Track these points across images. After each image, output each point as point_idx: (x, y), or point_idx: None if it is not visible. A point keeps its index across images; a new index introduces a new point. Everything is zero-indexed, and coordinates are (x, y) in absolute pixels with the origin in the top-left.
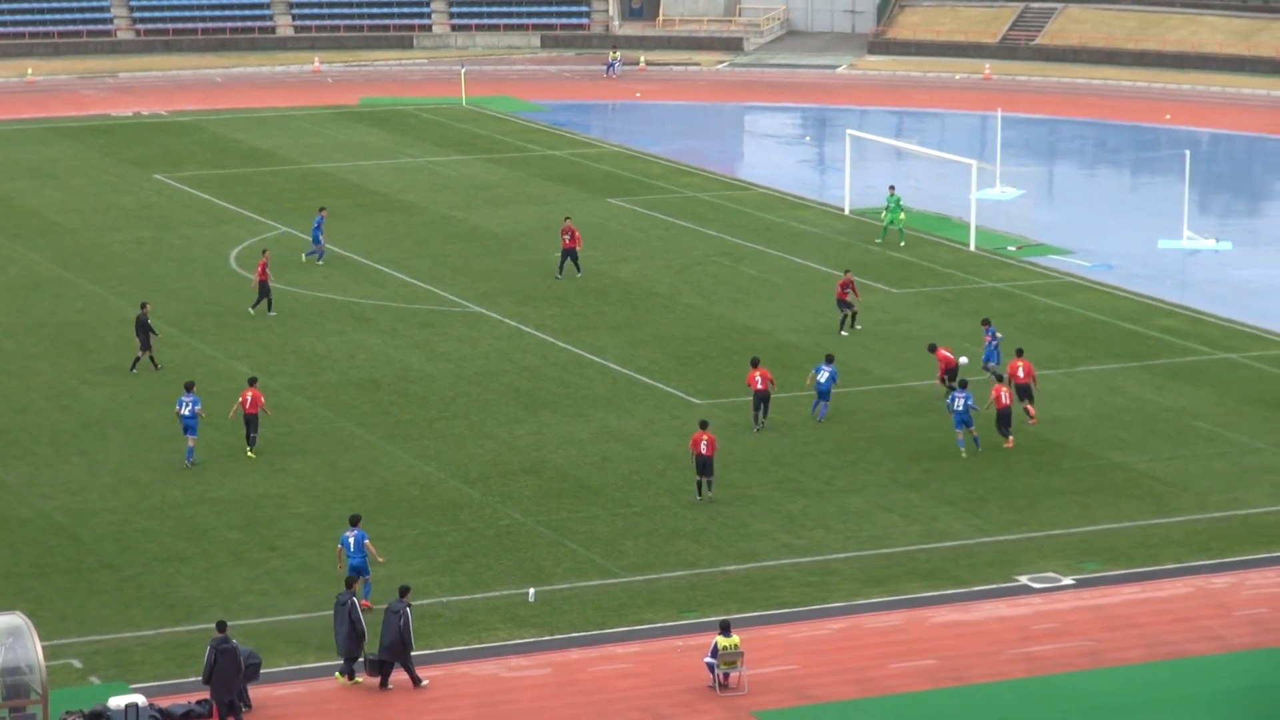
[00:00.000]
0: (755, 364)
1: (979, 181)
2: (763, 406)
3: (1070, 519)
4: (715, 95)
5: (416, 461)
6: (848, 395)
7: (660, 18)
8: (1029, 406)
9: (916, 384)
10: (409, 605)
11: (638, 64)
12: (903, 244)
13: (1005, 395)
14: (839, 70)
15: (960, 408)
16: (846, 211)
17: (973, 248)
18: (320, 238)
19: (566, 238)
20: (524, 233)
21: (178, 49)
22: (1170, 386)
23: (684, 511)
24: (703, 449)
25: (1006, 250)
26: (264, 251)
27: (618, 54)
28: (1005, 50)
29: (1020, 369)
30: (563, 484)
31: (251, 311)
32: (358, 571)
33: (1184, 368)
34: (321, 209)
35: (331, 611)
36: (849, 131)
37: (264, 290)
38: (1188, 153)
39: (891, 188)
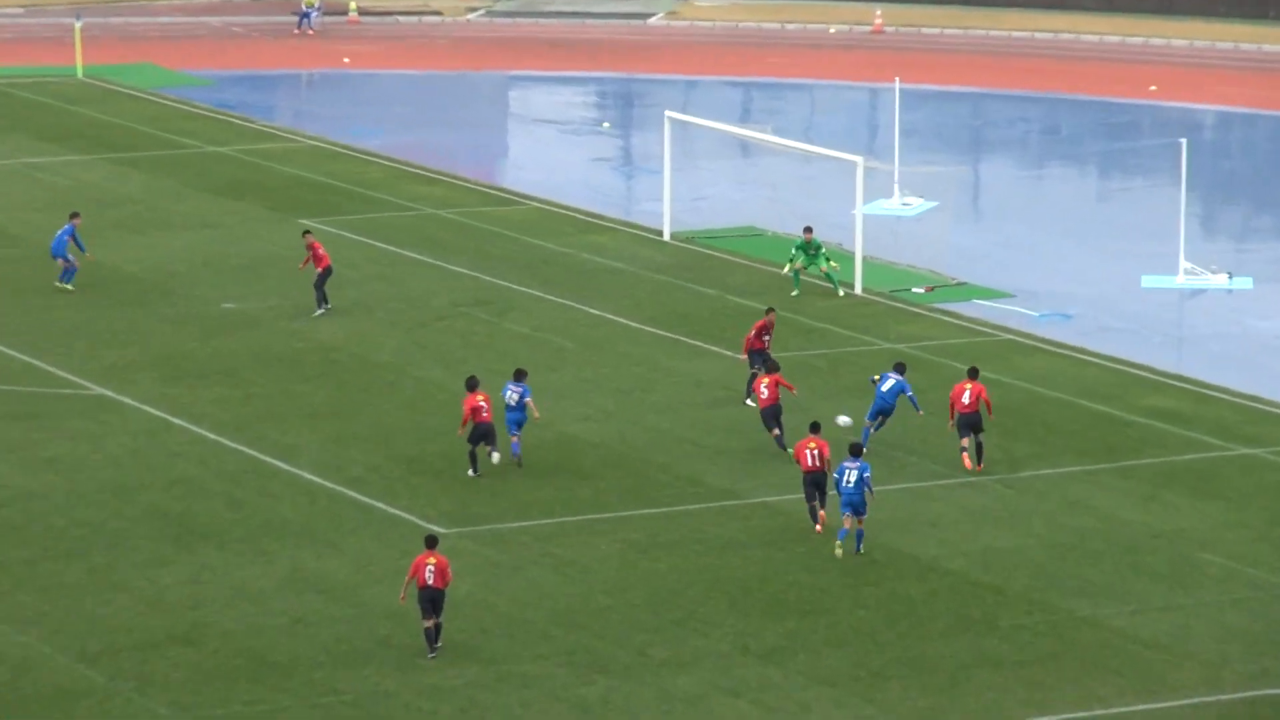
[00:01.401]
0: (473, 387)
1: (869, 189)
2: (487, 438)
3: (1012, 704)
4: (463, 61)
5: (7, 628)
6: (669, 517)
7: None
8: (976, 441)
9: (775, 499)
10: None
11: (346, 14)
12: (842, 294)
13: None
14: (652, 20)
15: (852, 484)
16: (666, 236)
17: (859, 290)
18: (67, 253)
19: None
20: (175, 273)
21: None
22: (1161, 499)
23: (419, 700)
24: (428, 578)
25: (910, 293)
26: None
27: None
28: None
29: (966, 393)
30: (234, 660)
31: None
32: None
33: (1181, 470)
34: (73, 215)
35: None
36: (669, 114)
37: None
38: (1184, 142)
39: (808, 230)
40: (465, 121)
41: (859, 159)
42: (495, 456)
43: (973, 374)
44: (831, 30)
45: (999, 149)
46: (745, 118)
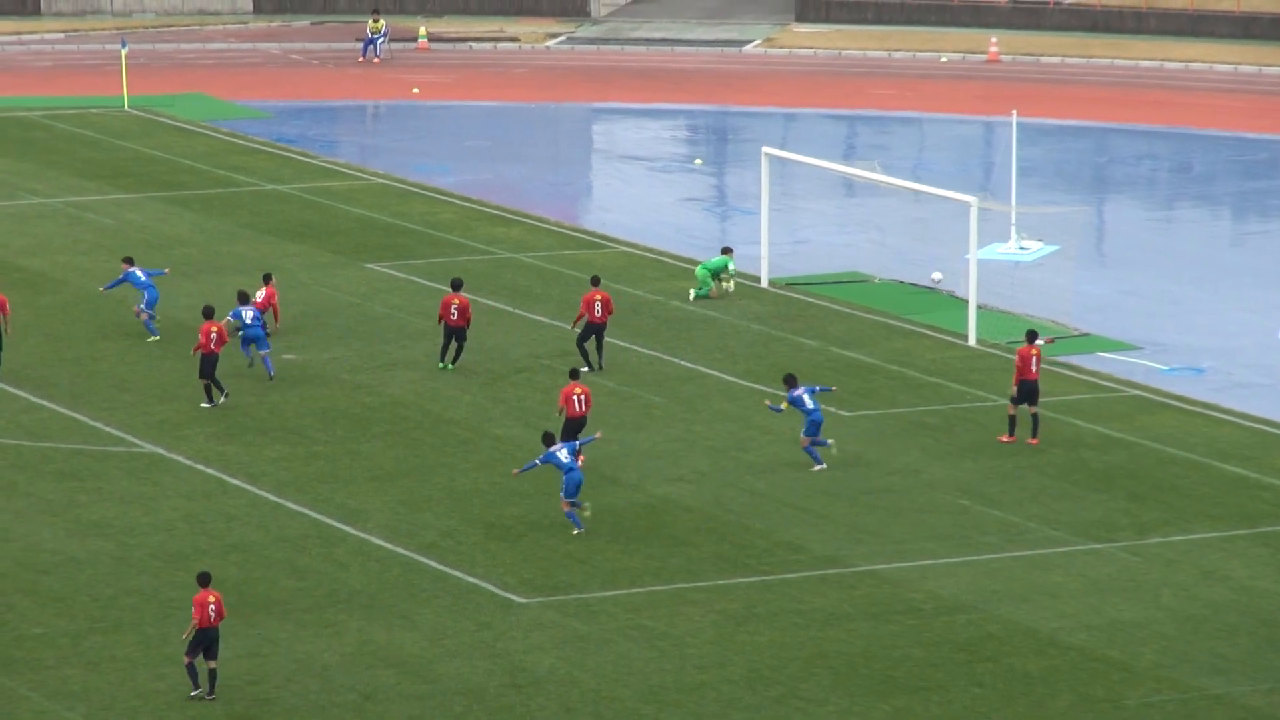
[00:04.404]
0: (209, 315)
1: (984, 231)
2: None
3: None
4: (544, 91)
5: (52, 705)
6: (767, 586)
7: None
8: (1034, 413)
9: (882, 567)
10: None
11: (415, 40)
12: (692, 296)
13: (1035, 361)
14: (748, 49)
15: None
16: (763, 283)
17: (973, 341)
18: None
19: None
20: (229, 321)
21: None
22: None
23: None
24: (211, 617)
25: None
26: None
27: (381, 23)
28: (1024, 15)
29: (1034, 361)
30: None
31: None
32: None
33: None
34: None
35: None
36: (766, 150)
37: None
38: None
39: (727, 250)
40: (545, 158)
41: (973, 199)
42: (224, 398)
43: (1031, 337)
44: (943, 59)
45: (1125, 188)
46: (849, 154)
